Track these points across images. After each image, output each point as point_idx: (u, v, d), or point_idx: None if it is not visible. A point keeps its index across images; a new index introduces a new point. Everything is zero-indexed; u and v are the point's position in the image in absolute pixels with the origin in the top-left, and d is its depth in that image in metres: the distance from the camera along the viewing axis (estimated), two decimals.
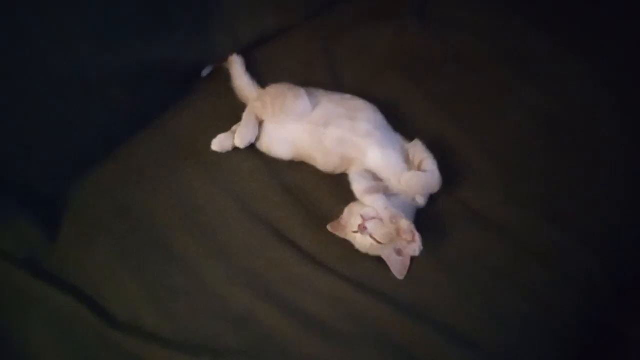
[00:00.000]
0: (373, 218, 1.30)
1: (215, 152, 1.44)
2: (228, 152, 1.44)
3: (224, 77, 1.58)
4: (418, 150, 1.43)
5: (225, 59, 1.60)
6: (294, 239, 1.28)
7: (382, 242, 1.29)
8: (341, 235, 1.28)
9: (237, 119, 1.45)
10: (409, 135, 1.41)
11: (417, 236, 1.26)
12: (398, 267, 1.30)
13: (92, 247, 1.27)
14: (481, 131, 1.47)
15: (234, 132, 1.54)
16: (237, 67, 1.61)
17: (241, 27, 1.60)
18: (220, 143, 1.45)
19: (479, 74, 1.59)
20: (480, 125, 1.49)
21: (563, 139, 1.45)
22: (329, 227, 1.30)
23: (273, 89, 1.56)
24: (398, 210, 1.32)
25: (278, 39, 1.67)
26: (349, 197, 1.33)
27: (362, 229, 1.29)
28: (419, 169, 1.32)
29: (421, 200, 1.42)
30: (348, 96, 1.55)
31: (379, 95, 1.50)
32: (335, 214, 1.30)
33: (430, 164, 1.40)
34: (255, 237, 1.30)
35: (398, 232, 1.28)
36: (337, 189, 1.41)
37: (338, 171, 1.41)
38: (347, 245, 1.27)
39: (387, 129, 1.50)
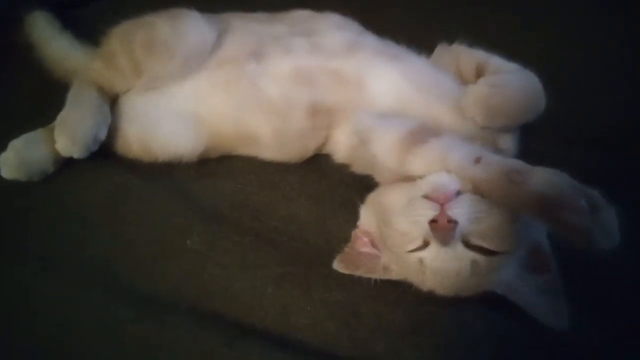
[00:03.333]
0: (458, 193, 0.54)
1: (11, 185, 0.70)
2: (43, 174, 0.72)
3: (18, 58, 0.91)
4: (464, 53, 0.73)
5: (16, 24, 0.91)
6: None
7: (498, 247, 0.54)
8: (364, 272, 0.62)
9: (55, 112, 0.76)
10: None
11: (598, 197, 0.49)
12: (547, 302, 0.57)
13: None
14: None
15: (51, 130, 0.70)
16: (41, 26, 0.90)
17: None
18: (20, 158, 0.70)
19: None
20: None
21: None
22: (336, 266, 0.64)
23: (124, 27, 0.78)
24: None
25: None
26: (346, 201, 0.71)
27: (442, 228, 0.54)
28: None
29: (510, 143, 0.67)
30: (281, 13, 0.78)
31: None
32: (331, 243, 0.67)
33: (504, 64, 0.69)
34: None
35: (537, 204, 0.51)
36: (316, 190, 0.75)
37: (309, 150, 0.76)
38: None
39: (379, 39, 0.77)
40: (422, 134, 0.59)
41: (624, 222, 0.55)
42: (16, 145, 0.69)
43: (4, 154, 0.69)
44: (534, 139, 0.79)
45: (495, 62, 0.69)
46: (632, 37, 1.00)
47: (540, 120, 0.72)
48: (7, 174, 0.68)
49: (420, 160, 0.58)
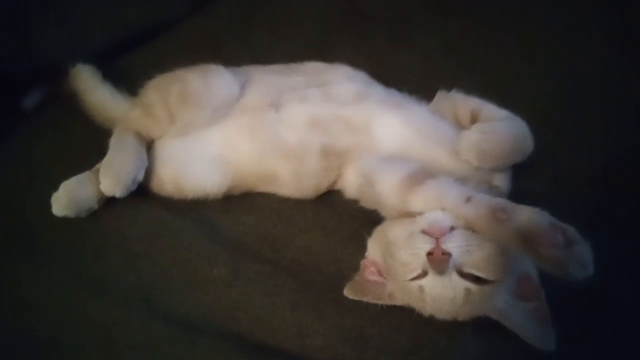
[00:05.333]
0: (452, 228, 0.61)
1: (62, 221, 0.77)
2: (90, 211, 0.80)
3: (65, 106, 0.99)
4: (460, 100, 0.80)
5: (62, 75, 0.99)
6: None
7: (489, 276, 0.61)
8: (372, 299, 0.69)
9: (99, 156, 0.84)
10: None
11: (573, 233, 0.55)
12: (536, 327, 0.62)
13: None
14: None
15: (96, 173, 0.78)
16: (85, 78, 0.99)
17: (89, 25, 1.07)
18: (70, 197, 0.78)
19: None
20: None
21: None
22: (347, 293, 0.71)
23: (160, 80, 0.87)
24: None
25: (152, 42, 1.16)
26: (356, 233, 0.76)
27: (437, 260, 0.60)
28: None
29: (503, 181, 0.73)
30: (297, 64, 0.89)
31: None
32: (342, 272, 0.73)
33: (495, 110, 0.74)
34: None
35: (520, 239, 0.57)
36: (328, 223, 0.82)
37: (322, 187, 0.82)
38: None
39: (384, 88, 0.85)
40: (420, 175, 0.66)
41: (617, 255, 0.60)
42: (67, 185, 0.78)
43: (56, 194, 0.77)
44: (533, 177, 0.82)
45: (488, 109, 0.76)
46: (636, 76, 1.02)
47: (539, 158, 0.77)
48: (58, 212, 0.77)
49: (419, 199, 0.65)
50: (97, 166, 0.82)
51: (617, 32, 1.07)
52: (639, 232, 0.79)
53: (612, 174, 0.90)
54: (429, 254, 0.60)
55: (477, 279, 0.60)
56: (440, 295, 0.61)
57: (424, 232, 0.62)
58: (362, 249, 0.73)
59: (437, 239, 0.61)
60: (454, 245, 0.60)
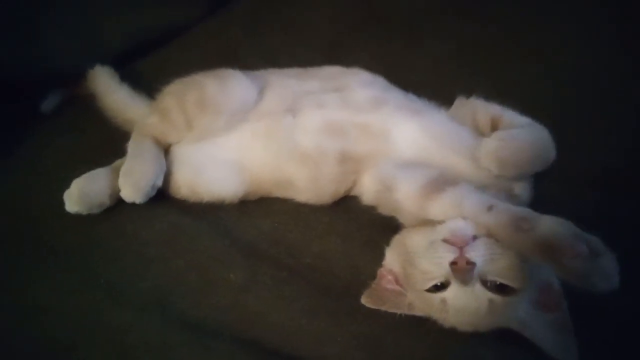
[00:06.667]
0: (473, 238, 0.60)
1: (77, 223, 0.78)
2: (101, 207, 0.80)
3: (82, 108, 1.00)
4: (480, 107, 0.79)
5: (80, 78, 1.00)
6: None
7: (513, 283, 0.59)
8: (390, 307, 0.68)
9: (114, 157, 0.85)
10: None
11: (598, 243, 0.54)
12: (557, 338, 0.60)
13: None
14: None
15: (114, 170, 0.79)
16: (103, 80, 1.00)
17: (105, 29, 1.07)
18: (80, 193, 0.78)
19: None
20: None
21: None
22: (364, 301, 0.69)
23: (177, 86, 0.87)
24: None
25: (167, 46, 1.16)
26: (373, 240, 0.76)
27: (461, 269, 0.59)
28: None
29: (523, 190, 0.72)
30: (314, 68, 0.87)
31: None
32: (359, 278, 0.72)
33: (516, 118, 0.72)
34: None
35: (542, 249, 0.57)
36: (345, 229, 0.81)
37: (339, 193, 0.81)
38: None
39: (402, 92, 0.84)
40: (440, 183, 0.66)
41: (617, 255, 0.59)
42: (79, 182, 0.78)
43: (68, 190, 0.77)
44: (551, 181, 0.81)
45: (509, 116, 0.75)
46: None
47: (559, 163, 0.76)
48: (70, 207, 0.77)
49: (439, 207, 0.64)
50: (111, 165, 0.82)
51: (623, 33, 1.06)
52: (639, 232, 0.77)
53: (612, 174, 0.89)
54: (453, 263, 0.59)
55: (500, 290, 0.59)
56: (463, 306, 0.60)
57: (446, 240, 0.61)
58: (379, 255, 0.72)
59: (460, 248, 0.59)
60: (477, 254, 0.59)
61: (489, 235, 0.61)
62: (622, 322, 0.66)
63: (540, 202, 0.67)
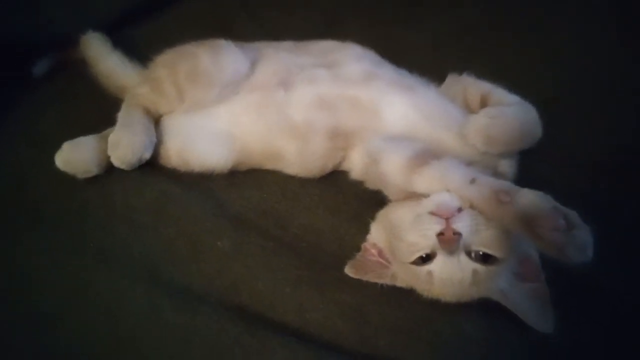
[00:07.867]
0: (458, 210, 0.62)
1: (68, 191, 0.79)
2: (87, 173, 0.80)
3: (74, 75, 0.99)
4: (471, 84, 0.79)
5: (72, 43, 0.99)
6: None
7: (497, 253, 0.62)
8: (372, 277, 0.70)
9: (107, 125, 0.85)
10: None
11: (574, 217, 0.56)
12: (535, 308, 0.63)
13: None
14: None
15: (103, 138, 0.79)
16: (95, 46, 0.99)
17: None
18: (70, 155, 0.78)
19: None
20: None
21: None
22: (347, 271, 0.71)
23: (169, 56, 0.87)
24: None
25: (161, 14, 1.14)
26: (360, 214, 0.77)
27: (448, 240, 0.61)
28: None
29: (509, 167, 0.73)
30: (308, 42, 0.89)
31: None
32: (344, 251, 0.74)
33: (505, 95, 0.73)
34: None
35: (521, 221, 0.58)
36: (333, 202, 0.82)
37: (327, 168, 0.83)
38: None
39: (394, 67, 0.83)
40: (425, 156, 0.67)
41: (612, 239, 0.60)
42: (67, 145, 0.78)
43: (59, 151, 0.77)
44: (541, 162, 0.83)
45: (498, 93, 0.76)
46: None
47: (548, 144, 0.76)
48: (59, 165, 0.77)
49: (423, 180, 0.66)
50: (104, 132, 0.82)
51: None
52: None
53: (617, 160, 0.90)
54: (440, 234, 0.61)
55: (483, 259, 0.61)
56: (449, 277, 0.62)
57: (432, 213, 0.62)
58: (364, 229, 0.74)
59: (446, 219, 0.61)
60: (463, 225, 0.61)
61: (473, 207, 0.62)
62: (610, 300, 0.69)
63: (543, 185, 0.67)
